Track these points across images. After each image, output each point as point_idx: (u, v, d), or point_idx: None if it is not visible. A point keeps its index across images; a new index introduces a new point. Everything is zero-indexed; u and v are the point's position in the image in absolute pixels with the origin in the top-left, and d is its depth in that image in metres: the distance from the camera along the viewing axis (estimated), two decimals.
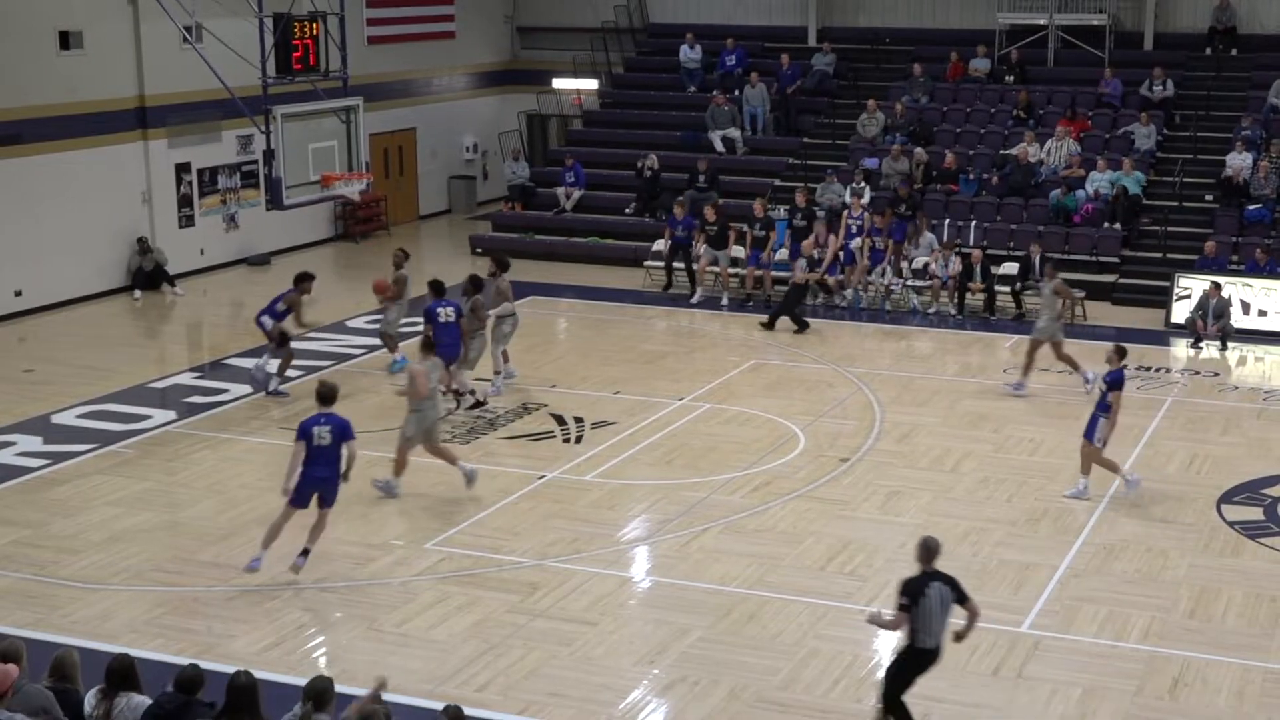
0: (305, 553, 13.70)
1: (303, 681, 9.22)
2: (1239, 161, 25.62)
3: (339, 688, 9.13)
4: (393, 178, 32.37)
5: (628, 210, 28.84)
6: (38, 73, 24.26)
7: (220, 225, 28.09)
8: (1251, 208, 25.29)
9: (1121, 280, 25.24)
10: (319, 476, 13.70)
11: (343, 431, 13.69)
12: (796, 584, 13.69)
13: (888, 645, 12.68)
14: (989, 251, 24.69)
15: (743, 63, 31.18)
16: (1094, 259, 25.50)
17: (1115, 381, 15.85)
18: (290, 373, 20.50)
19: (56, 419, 18.83)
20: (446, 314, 18.45)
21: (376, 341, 22.02)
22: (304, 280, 19.99)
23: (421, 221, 33.32)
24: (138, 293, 25.82)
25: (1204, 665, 12.16)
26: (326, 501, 13.80)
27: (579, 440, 17.96)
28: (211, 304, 25.72)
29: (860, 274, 24.61)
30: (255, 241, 28.62)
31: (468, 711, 10.54)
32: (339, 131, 20.65)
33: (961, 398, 19.89)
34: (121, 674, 8.97)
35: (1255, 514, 15.63)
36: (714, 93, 30.42)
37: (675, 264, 25.73)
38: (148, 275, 26.02)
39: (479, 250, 29.30)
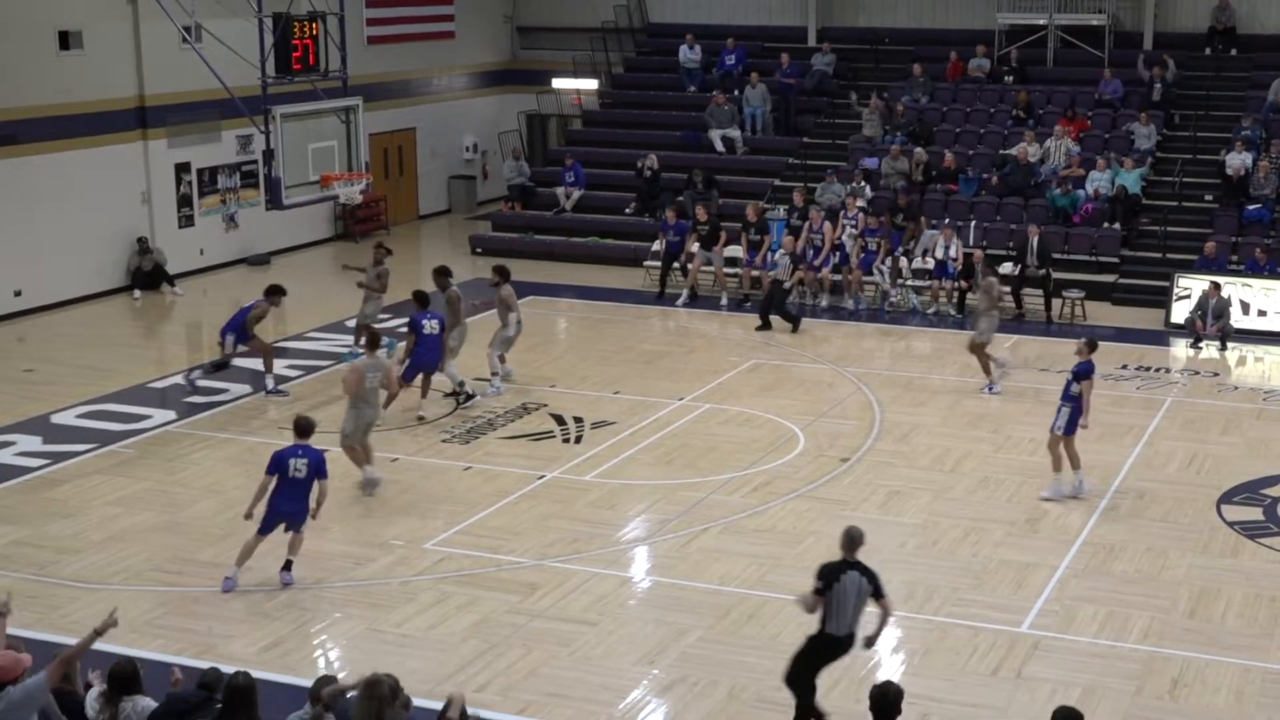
0: (288, 565, 13.68)
1: (302, 681, 9.23)
2: (1238, 161, 25.62)
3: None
4: (392, 178, 32.38)
5: (627, 210, 28.85)
6: (37, 73, 24.27)
7: (220, 225, 28.09)
8: (1251, 207, 25.30)
9: (1121, 280, 25.25)
10: (289, 511, 13.58)
11: (318, 468, 13.53)
12: (796, 584, 13.59)
13: (888, 646, 12.70)
14: (989, 252, 24.64)
15: (742, 62, 31.19)
16: (1094, 259, 25.50)
17: (1082, 372, 15.85)
18: (290, 373, 20.55)
19: (56, 419, 18.83)
20: (431, 326, 18.41)
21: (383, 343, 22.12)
22: (274, 293, 19.88)
23: (421, 221, 33.33)
24: (137, 293, 25.82)
25: (1203, 665, 12.16)
26: (295, 530, 13.73)
27: (579, 440, 17.96)
28: (211, 304, 25.69)
29: (856, 281, 24.60)
30: (255, 241, 28.63)
31: (468, 711, 10.56)
32: (339, 131, 20.68)
33: (961, 398, 19.89)
34: (126, 679, 8.98)
35: (1255, 514, 15.63)
36: (714, 93, 30.45)
37: (672, 266, 25.75)
38: (147, 275, 26.02)
39: (479, 250, 29.33)
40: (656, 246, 26.29)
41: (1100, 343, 22.27)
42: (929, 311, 24.14)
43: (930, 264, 24.48)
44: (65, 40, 24.79)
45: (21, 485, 16.49)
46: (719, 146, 29.72)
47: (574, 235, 28.87)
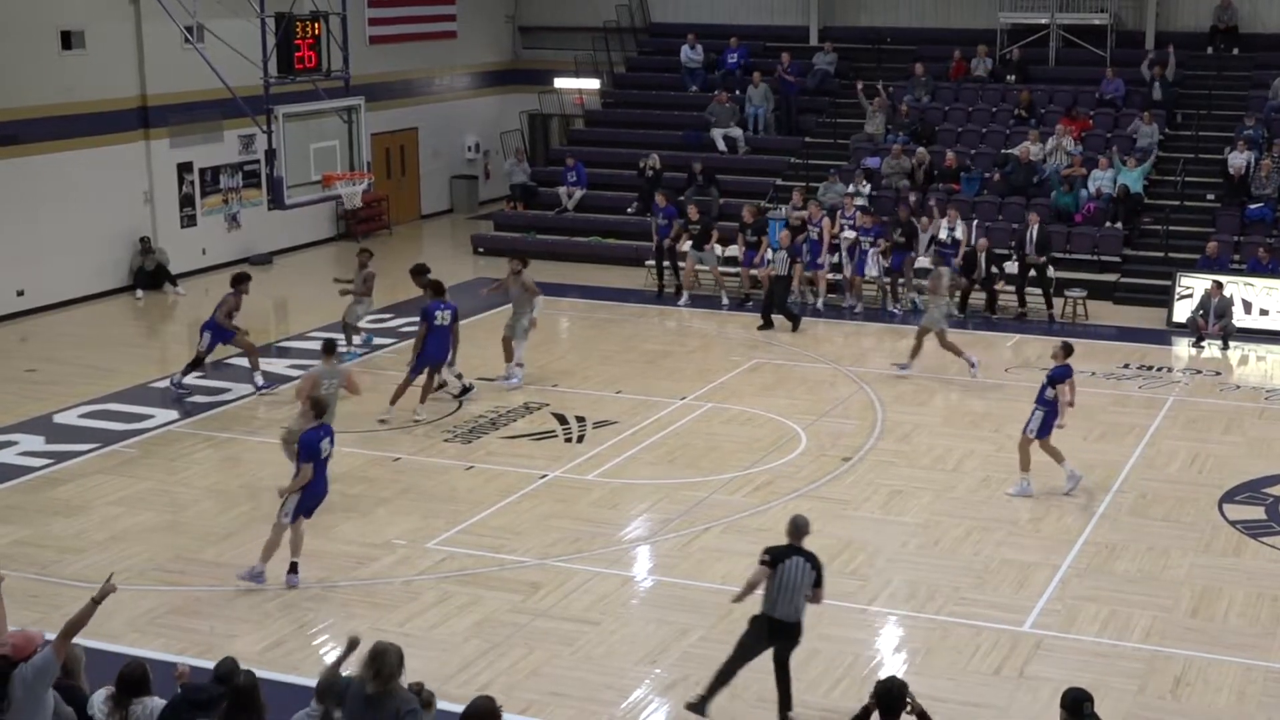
0: (294, 568, 13.68)
1: (305, 681, 9.23)
2: (1240, 160, 25.61)
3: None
4: (394, 177, 32.38)
5: (630, 210, 28.85)
6: (39, 72, 24.28)
7: (222, 225, 28.10)
8: (1253, 206, 25.29)
9: (1123, 279, 25.24)
10: (324, 491, 13.77)
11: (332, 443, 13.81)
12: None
13: (889, 645, 12.71)
14: (995, 251, 24.60)
15: (744, 61, 31.20)
16: (1096, 258, 25.49)
17: (1057, 377, 15.90)
18: (292, 373, 20.54)
19: (58, 419, 18.85)
20: (443, 316, 18.41)
21: (380, 340, 22.11)
22: (240, 282, 19.87)
23: (423, 221, 33.34)
24: (140, 292, 25.84)
25: (1205, 665, 12.16)
26: (312, 513, 13.80)
27: (581, 440, 17.97)
28: (213, 304, 25.59)
29: (856, 286, 24.58)
30: (257, 241, 28.64)
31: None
32: (340, 131, 20.67)
33: (963, 397, 19.90)
34: (136, 681, 8.99)
35: (1257, 513, 15.63)
36: (716, 92, 30.45)
37: (665, 263, 25.80)
38: (150, 275, 26.04)
39: (481, 250, 29.35)
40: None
41: (1102, 342, 22.54)
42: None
43: (929, 260, 24.36)
44: (67, 40, 24.81)
45: (24, 485, 16.50)
46: (721, 145, 29.72)
47: (576, 235, 28.88)
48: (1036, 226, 23.89)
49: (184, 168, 27.12)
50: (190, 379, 19.87)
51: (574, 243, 28.65)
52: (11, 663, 8.65)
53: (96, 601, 9.06)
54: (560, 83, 34.03)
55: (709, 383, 20.35)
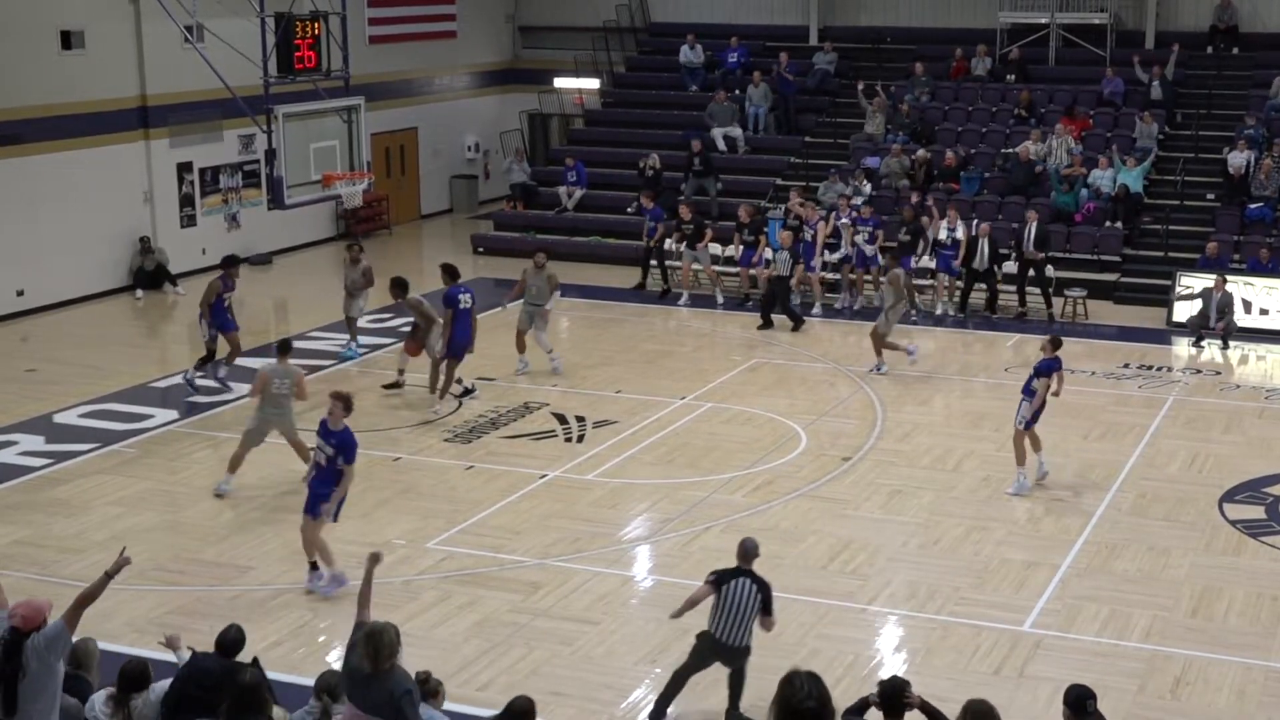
0: (315, 566, 13.68)
1: (305, 680, 9.23)
2: (1240, 160, 25.60)
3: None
4: (394, 177, 32.39)
5: (629, 210, 28.82)
6: (39, 72, 24.28)
7: (222, 225, 28.10)
8: (1253, 206, 25.29)
9: (1123, 279, 25.25)
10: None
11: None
12: (798, 583, 13.68)
13: (889, 645, 12.71)
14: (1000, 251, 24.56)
15: (744, 61, 31.20)
16: (1096, 258, 25.50)
17: (1043, 369, 15.98)
18: None
19: (58, 418, 18.85)
20: (466, 300, 18.42)
21: (382, 340, 22.11)
22: (226, 265, 19.63)
23: (423, 221, 33.34)
24: (139, 292, 25.84)
25: (1206, 664, 12.16)
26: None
27: (580, 439, 17.97)
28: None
29: (859, 281, 24.59)
30: (257, 241, 28.63)
31: (469, 711, 10.59)
32: (340, 131, 20.68)
33: (963, 397, 19.90)
34: (136, 678, 9.01)
35: (1257, 513, 15.63)
36: (716, 91, 30.45)
37: (653, 263, 25.85)
38: (149, 275, 26.04)
39: (481, 250, 29.35)
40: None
41: (1103, 342, 22.55)
42: (937, 313, 23.97)
43: (934, 261, 24.36)
44: (67, 40, 24.81)
45: (24, 485, 16.51)
46: (721, 145, 29.71)
47: (576, 235, 28.87)
48: (1035, 224, 23.89)
49: (184, 168, 27.12)
50: (201, 379, 19.79)
51: (574, 242, 28.64)
52: (23, 633, 8.71)
53: (110, 575, 9.12)
54: (560, 82, 34.04)
55: (709, 382, 20.35)
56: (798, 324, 23.12)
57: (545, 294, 20.33)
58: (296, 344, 21.20)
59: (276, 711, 8.96)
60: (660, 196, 28.37)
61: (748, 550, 11.10)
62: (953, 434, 18.17)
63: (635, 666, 12.17)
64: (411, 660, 12.03)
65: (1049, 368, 15.98)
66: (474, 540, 14.80)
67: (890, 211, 25.99)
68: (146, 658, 9.69)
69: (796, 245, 23.87)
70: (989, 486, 16.32)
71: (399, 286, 19.75)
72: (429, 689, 9.52)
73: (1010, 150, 27.52)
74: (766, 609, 10.91)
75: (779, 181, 28.58)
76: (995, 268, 23.98)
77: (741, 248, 25.25)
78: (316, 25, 20.60)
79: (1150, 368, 21.17)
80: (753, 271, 24.84)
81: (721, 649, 10.94)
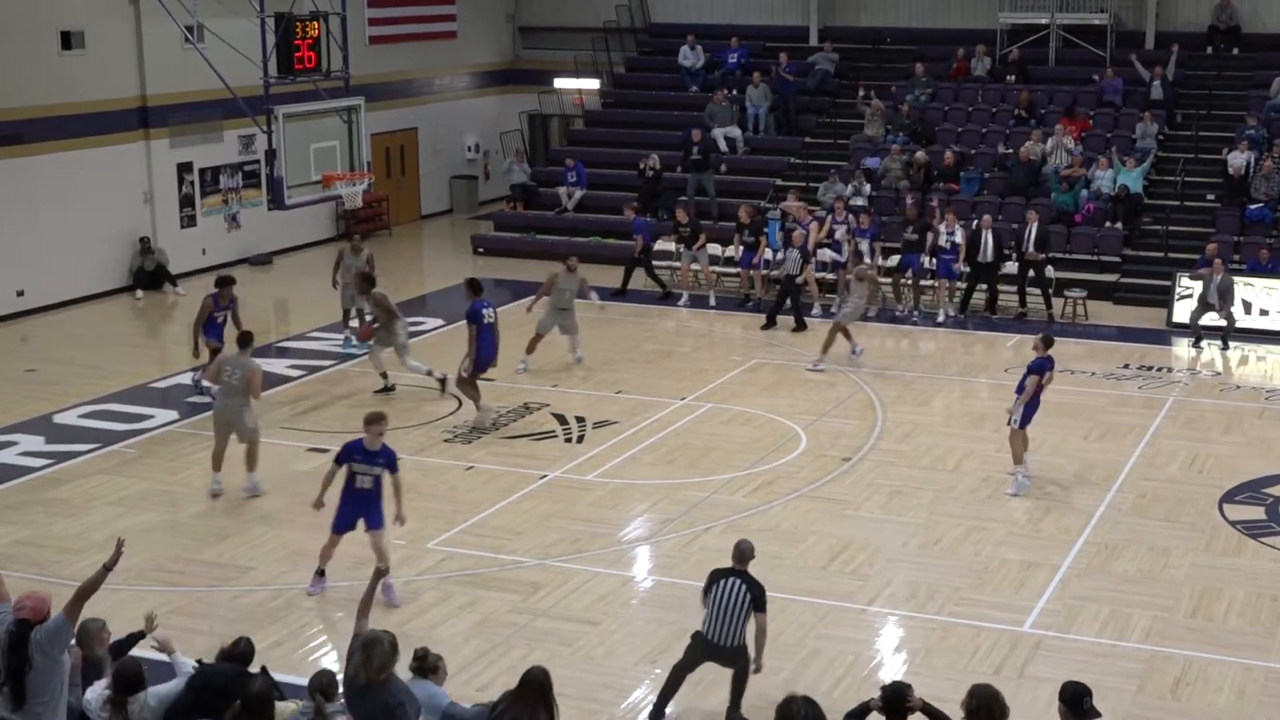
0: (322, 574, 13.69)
1: (304, 681, 9.23)
2: (1240, 160, 25.61)
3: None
4: (394, 177, 32.39)
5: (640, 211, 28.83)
6: (39, 73, 24.28)
7: (222, 225, 28.11)
8: (1253, 207, 25.29)
9: (1123, 280, 25.25)
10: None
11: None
12: (798, 584, 13.69)
13: (890, 645, 12.71)
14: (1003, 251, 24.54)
15: (744, 61, 31.20)
16: (1096, 258, 25.50)
17: (1035, 368, 16.02)
18: (292, 373, 20.57)
19: (58, 419, 18.85)
20: (489, 315, 18.21)
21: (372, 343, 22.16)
22: (219, 285, 19.12)
23: (423, 221, 33.35)
24: (139, 292, 25.84)
25: (1205, 665, 12.16)
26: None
27: (580, 440, 17.97)
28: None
29: (860, 286, 24.55)
30: (257, 241, 28.64)
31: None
32: (340, 131, 20.68)
33: (963, 397, 19.91)
34: (131, 678, 9.03)
35: (1257, 513, 15.63)
36: (715, 92, 30.45)
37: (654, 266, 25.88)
38: (149, 275, 26.04)
39: (480, 250, 29.37)
40: (660, 245, 26.36)
41: (1102, 342, 22.54)
42: (939, 320, 23.90)
43: (935, 264, 24.31)
44: (67, 40, 24.81)
45: (24, 485, 16.51)
46: (722, 145, 29.70)
47: (576, 235, 28.84)
48: (1035, 224, 23.89)
49: (184, 168, 27.12)
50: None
51: (574, 243, 28.49)
52: (30, 625, 8.82)
53: (108, 567, 9.23)
54: (560, 83, 34.04)
55: (709, 383, 20.35)
56: (800, 325, 23.09)
57: (573, 298, 20.78)
58: (296, 344, 21.33)
59: (287, 705, 9.00)
60: (660, 198, 28.44)
61: (743, 552, 11.15)
62: (953, 434, 18.17)
63: (635, 667, 12.17)
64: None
65: (1041, 366, 16.01)
66: (474, 541, 14.80)
67: (890, 212, 25.98)
68: (146, 659, 9.69)
69: (805, 245, 23.84)
70: (989, 487, 16.32)
71: (366, 280, 19.89)
72: (428, 665, 9.59)
73: (1009, 150, 27.50)
74: (758, 606, 10.89)
75: (779, 182, 28.58)
76: (1000, 263, 23.92)
77: (742, 249, 25.24)
78: (316, 25, 20.59)
79: (1150, 368, 21.17)
80: (765, 272, 24.77)
81: (712, 649, 10.96)
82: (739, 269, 25.38)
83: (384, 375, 19.67)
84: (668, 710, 11.25)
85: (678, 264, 25.72)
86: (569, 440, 17.97)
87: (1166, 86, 28.35)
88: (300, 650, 12.46)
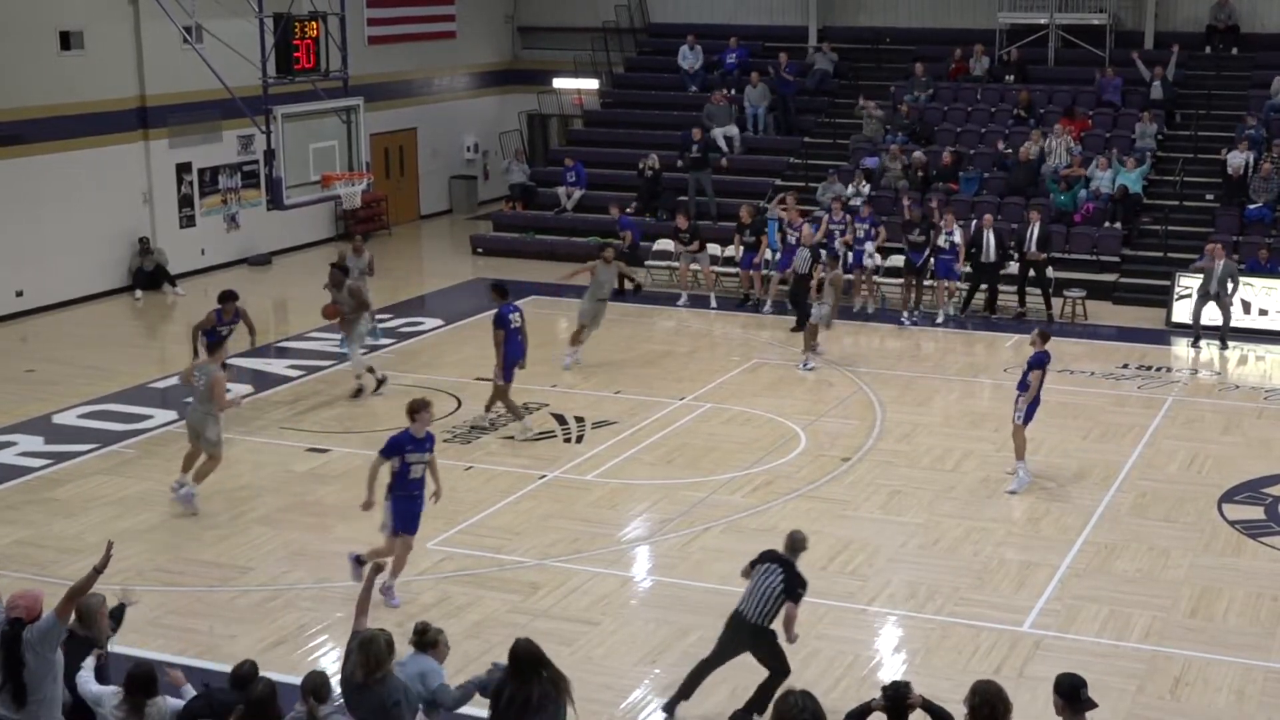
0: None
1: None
2: (1238, 160, 25.61)
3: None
4: (393, 178, 32.39)
5: (628, 210, 28.81)
6: (38, 73, 24.28)
7: (221, 225, 28.10)
8: (1252, 206, 25.29)
9: (1122, 280, 25.25)
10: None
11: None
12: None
13: (889, 645, 12.71)
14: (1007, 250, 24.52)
15: (743, 61, 31.20)
16: (1095, 258, 25.50)
17: (1035, 363, 16.09)
18: (291, 373, 20.57)
19: (58, 419, 18.85)
20: (516, 319, 18.04)
21: (382, 341, 22.15)
22: (222, 300, 18.75)
23: (422, 221, 33.34)
24: (139, 293, 25.84)
25: (1205, 665, 12.16)
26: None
27: (580, 440, 17.96)
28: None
29: (858, 283, 24.57)
30: (256, 241, 28.64)
31: (467, 711, 10.57)
32: (339, 131, 20.69)
33: (963, 397, 19.91)
34: (146, 681, 9.04)
35: (1256, 513, 15.63)
36: (720, 90, 30.46)
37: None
38: (149, 275, 26.04)
39: (480, 250, 29.37)
40: (660, 245, 26.34)
41: (1102, 342, 22.54)
42: (938, 321, 23.89)
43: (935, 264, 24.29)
44: (66, 40, 24.81)
45: (23, 485, 16.51)
46: (722, 145, 29.69)
47: (575, 235, 28.83)
48: (1038, 224, 23.87)
49: (183, 168, 27.12)
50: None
51: (573, 243, 28.58)
52: (24, 624, 8.89)
53: (99, 570, 9.27)
54: (559, 83, 34.04)
55: (708, 383, 20.35)
56: (802, 325, 23.03)
57: (607, 288, 21.03)
58: (295, 345, 21.31)
59: None
60: (659, 198, 28.45)
61: (794, 541, 11.24)
62: (952, 434, 18.17)
63: (635, 667, 12.17)
64: None
65: (1041, 361, 16.04)
66: (473, 541, 14.80)
67: (890, 212, 25.97)
68: (145, 659, 9.70)
69: (817, 246, 23.82)
70: (989, 487, 16.32)
71: (341, 270, 20.02)
72: (428, 639, 9.62)
73: (1008, 150, 27.49)
74: (789, 594, 10.97)
75: (778, 182, 28.56)
76: (1002, 263, 23.91)
77: (741, 249, 25.23)
78: (315, 26, 20.60)
79: (1149, 368, 21.18)
80: (750, 273, 24.78)
81: (738, 620, 11.04)
82: (738, 269, 25.36)
83: (371, 370, 19.68)
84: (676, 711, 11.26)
85: (677, 264, 25.72)
86: (568, 440, 17.97)
87: (1166, 86, 28.36)
88: (300, 650, 12.46)
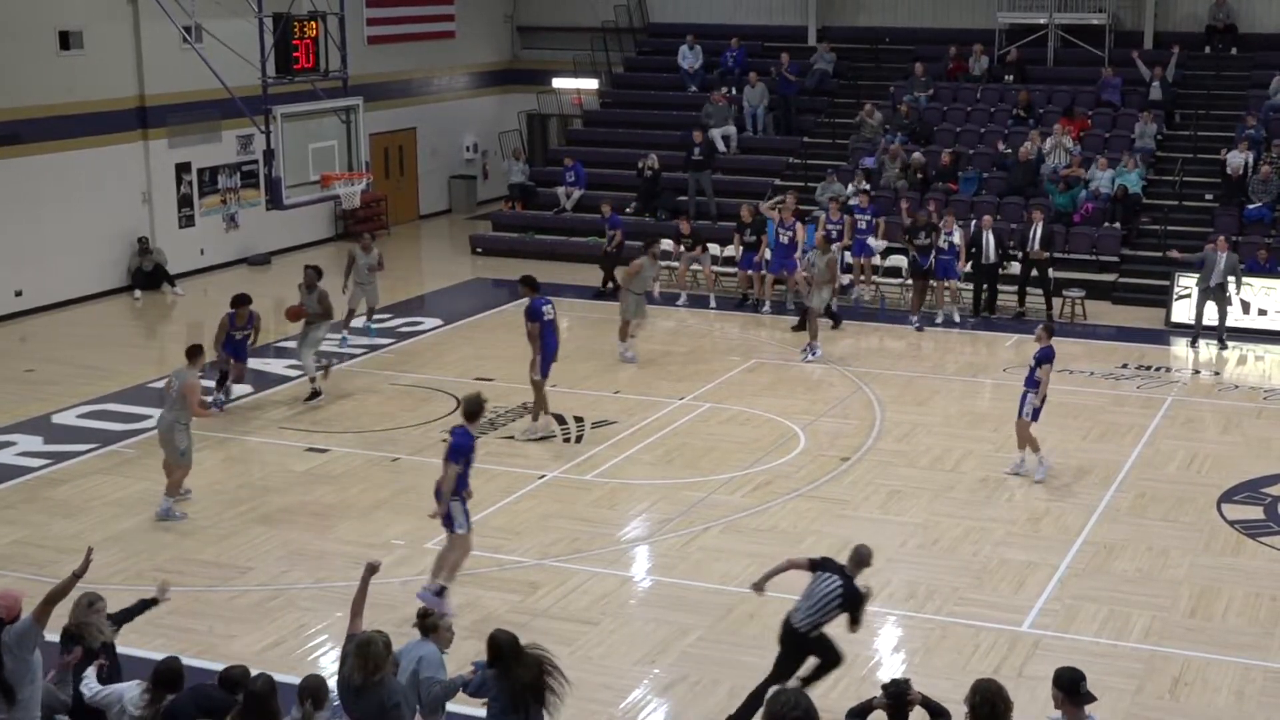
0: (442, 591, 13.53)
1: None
2: (1238, 160, 25.61)
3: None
4: (393, 177, 32.38)
5: (628, 210, 28.81)
6: (38, 72, 24.27)
7: (220, 225, 28.10)
8: (1251, 206, 25.29)
9: (1121, 279, 25.25)
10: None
11: (451, 450, 13.29)
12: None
13: (889, 645, 12.71)
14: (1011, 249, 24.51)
15: (743, 60, 31.20)
16: (1094, 258, 25.50)
17: (1043, 357, 16.15)
18: (291, 373, 20.58)
19: (57, 419, 18.85)
20: (549, 311, 17.95)
21: (381, 341, 22.13)
22: (235, 304, 18.90)
23: (422, 221, 33.34)
24: (138, 293, 25.84)
25: (1204, 664, 12.16)
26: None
27: (579, 440, 17.96)
28: (212, 304, 25.65)
29: (857, 270, 24.61)
30: (255, 241, 28.63)
31: (468, 712, 10.59)
32: (339, 131, 20.68)
33: (963, 397, 19.90)
34: (172, 678, 9.07)
35: (1255, 513, 15.63)
36: (720, 90, 30.45)
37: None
38: (148, 275, 26.04)
39: (479, 250, 29.37)
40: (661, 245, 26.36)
41: (1101, 342, 22.54)
42: (938, 321, 23.86)
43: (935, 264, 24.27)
44: (66, 40, 24.80)
45: (22, 485, 16.51)
46: (721, 145, 29.70)
47: (575, 235, 28.84)
48: (1040, 223, 23.84)
49: (182, 168, 27.12)
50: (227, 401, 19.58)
51: (572, 243, 28.61)
52: (4, 623, 8.94)
53: (78, 575, 9.36)
54: (559, 83, 34.04)
55: (708, 383, 20.35)
56: (801, 325, 23.04)
57: (649, 283, 21.57)
58: (295, 344, 21.20)
59: None
60: (659, 198, 28.44)
61: (860, 557, 11.17)
62: (952, 434, 18.17)
63: (634, 667, 12.17)
64: None
65: (1048, 355, 16.10)
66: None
67: (889, 212, 25.97)
68: (143, 659, 9.70)
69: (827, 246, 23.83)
70: (988, 487, 16.32)
71: (316, 273, 19.88)
72: (428, 624, 9.65)
73: (1008, 150, 27.49)
74: (847, 611, 10.95)
75: (777, 182, 28.56)
76: (1003, 263, 23.91)
77: (742, 249, 25.21)
78: (315, 25, 20.60)
79: (1149, 368, 21.18)
80: (750, 273, 24.75)
81: (786, 628, 10.99)
82: (738, 269, 25.34)
83: (312, 380, 19.37)
84: (663, 710, 11.24)
85: (676, 264, 25.71)
86: (568, 440, 17.97)
87: (1165, 86, 28.36)
88: (299, 650, 12.46)
